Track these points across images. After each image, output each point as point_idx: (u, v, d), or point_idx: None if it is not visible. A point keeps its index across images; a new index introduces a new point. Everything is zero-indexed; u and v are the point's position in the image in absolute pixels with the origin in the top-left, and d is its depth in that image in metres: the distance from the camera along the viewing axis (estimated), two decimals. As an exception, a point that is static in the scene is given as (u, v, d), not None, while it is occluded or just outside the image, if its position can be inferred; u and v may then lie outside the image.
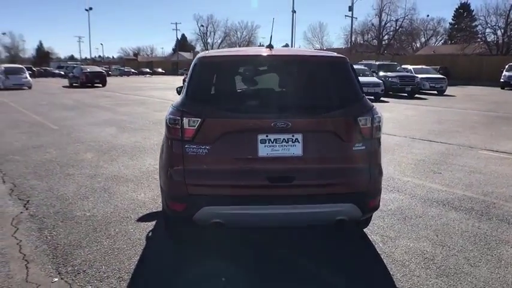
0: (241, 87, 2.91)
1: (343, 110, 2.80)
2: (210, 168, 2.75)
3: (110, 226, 3.78)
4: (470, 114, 12.89)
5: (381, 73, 21.18)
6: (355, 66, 21.38)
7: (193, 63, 2.96)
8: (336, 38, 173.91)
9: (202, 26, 79.68)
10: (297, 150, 2.72)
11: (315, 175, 2.77)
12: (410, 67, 23.95)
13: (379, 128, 2.95)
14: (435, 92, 22.27)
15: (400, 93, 20.38)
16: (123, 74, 62.28)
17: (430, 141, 8.21)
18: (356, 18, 55.13)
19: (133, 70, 70.41)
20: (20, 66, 28.38)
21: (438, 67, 29.34)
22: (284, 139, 2.71)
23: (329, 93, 2.92)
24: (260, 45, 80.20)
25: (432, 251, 3.34)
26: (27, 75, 25.25)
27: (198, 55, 3.06)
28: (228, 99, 2.85)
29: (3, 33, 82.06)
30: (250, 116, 2.71)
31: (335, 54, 3.17)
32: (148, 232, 3.66)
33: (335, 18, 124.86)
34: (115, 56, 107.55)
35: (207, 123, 2.69)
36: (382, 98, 18.43)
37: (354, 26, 50.87)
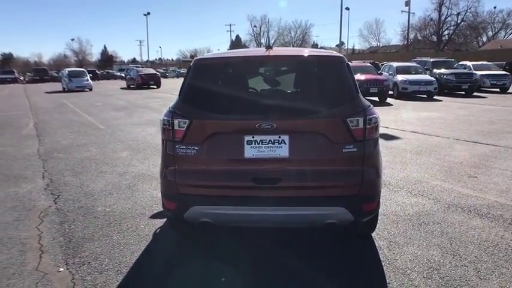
0: (233, 89, 2.94)
1: (332, 111, 2.71)
2: (198, 169, 2.82)
3: (123, 222, 3.99)
4: (531, 113, 11.75)
5: (436, 70, 19.97)
6: (407, 64, 20.51)
7: (190, 65, 3.04)
8: (393, 35, 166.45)
9: (255, 26, 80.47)
10: (283, 151, 2.69)
11: (302, 177, 2.71)
12: (469, 63, 22.30)
13: (374, 129, 2.82)
14: (497, 89, 20.55)
15: (456, 91, 19.05)
16: (179, 75, 64.82)
17: (475, 142, 7.63)
18: (413, 13, 52.55)
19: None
20: (82, 69, 30.69)
21: (504, 63, 27.01)
22: (270, 140, 2.69)
23: (320, 94, 2.85)
24: (313, 45, 79.44)
25: (440, 260, 3.12)
26: (88, 78, 27.24)
27: (195, 58, 3.13)
28: (218, 100, 2.88)
29: (72, 39, 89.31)
30: (237, 118, 2.73)
31: (332, 53, 3.08)
32: (157, 229, 3.81)
33: (393, 14, 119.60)
34: (174, 58, 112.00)
35: (195, 124, 2.75)
36: (435, 97, 17.39)
37: (411, 21, 48.51)
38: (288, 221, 2.79)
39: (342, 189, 2.72)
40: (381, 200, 4.36)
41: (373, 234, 3.57)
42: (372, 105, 3.02)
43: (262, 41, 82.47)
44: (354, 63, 18.97)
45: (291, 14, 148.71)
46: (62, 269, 3.09)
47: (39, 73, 44.13)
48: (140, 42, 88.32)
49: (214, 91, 2.91)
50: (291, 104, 2.79)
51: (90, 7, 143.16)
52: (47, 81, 40.80)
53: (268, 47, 3.21)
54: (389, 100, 16.39)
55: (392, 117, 11.47)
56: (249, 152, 2.70)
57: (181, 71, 68.17)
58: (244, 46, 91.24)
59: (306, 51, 3.09)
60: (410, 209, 4.22)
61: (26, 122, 11.43)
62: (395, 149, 7.19)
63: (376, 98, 16.24)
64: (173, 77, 58.77)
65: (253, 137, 2.70)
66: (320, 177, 2.71)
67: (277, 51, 3.12)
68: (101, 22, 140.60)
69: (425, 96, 17.62)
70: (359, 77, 16.04)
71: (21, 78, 47.04)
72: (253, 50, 3.46)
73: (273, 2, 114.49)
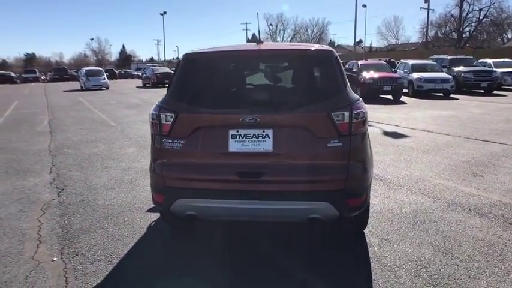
0: (219, 83, 2.96)
1: (317, 105, 2.70)
2: (184, 162, 2.85)
3: (121, 215, 4.07)
4: (550, 112, 11.36)
5: (454, 68, 19.49)
6: (423, 62, 20.10)
7: (179, 60, 3.09)
8: (413, 32, 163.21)
9: (271, 24, 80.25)
10: (267, 145, 2.69)
11: (285, 171, 2.71)
12: (489, 61, 21.67)
13: (361, 124, 2.79)
14: (519, 87, 19.93)
15: (475, 89, 18.55)
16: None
17: (487, 141, 7.43)
18: (433, 10, 51.42)
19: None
20: (99, 68, 31.33)
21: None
22: (254, 134, 2.70)
23: (306, 88, 2.84)
24: (329, 42, 78.72)
25: (431, 258, 3.07)
26: (105, 77, 27.78)
27: (184, 53, 3.17)
28: (203, 95, 2.91)
29: (91, 39, 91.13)
30: (221, 112, 2.75)
31: (320, 47, 3.06)
32: (152, 222, 3.87)
33: (412, 11, 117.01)
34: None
35: (180, 118, 2.79)
36: (452, 95, 16.99)
37: (431, 18, 47.48)
38: (271, 214, 2.80)
39: (326, 184, 2.70)
40: (379, 198, 4.39)
41: (366, 231, 3.54)
42: (360, 99, 2.99)
43: (278, 39, 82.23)
44: (368, 61, 18.74)
45: (308, 12, 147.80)
46: (56, 259, 3.18)
47: (59, 72, 45.27)
48: (158, 42, 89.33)
49: (200, 85, 2.94)
50: (276, 98, 2.79)
51: (109, 7, 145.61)
52: (67, 80, 41.72)
53: (259, 41, 3.23)
54: (404, 98, 16.11)
55: (404, 115, 11.29)
56: (233, 146, 2.72)
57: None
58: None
59: (295, 46, 3.09)
60: (408, 207, 4.16)
61: (41, 119, 11.76)
62: (402, 147, 7.08)
63: (390, 96, 16.02)
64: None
65: (237, 131, 2.71)
66: (304, 171, 2.70)
67: (267, 45, 3.12)
68: (120, 22, 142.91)
69: (441, 94, 17.24)
70: (372, 75, 15.86)
71: (43, 77, 48.34)
72: (243, 45, 3.47)
73: (289, 1, 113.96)
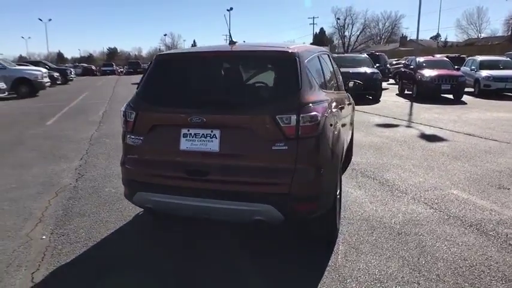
0: (178, 84, 3.04)
1: (263, 108, 2.68)
2: (142, 158, 3.03)
3: (117, 202, 4.37)
4: None
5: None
6: (494, 58, 18.23)
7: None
8: (499, 25, 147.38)
9: (338, 18, 77.94)
10: (214, 145, 2.74)
11: (230, 172, 2.73)
12: None
13: (312, 128, 2.70)
14: None
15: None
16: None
17: (538, 150, 6.62)
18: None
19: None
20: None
21: None
22: (203, 134, 2.76)
23: (259, 90, 2.82)
24: (402, 37, 74.38)
25: (393, 273, 2.88)
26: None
27: (157, 54, 3.32)
28: (163, 94, 3.03)
29: (165, 34, 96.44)
30: (173, 111, 2.86)
31: (282, 48, 3.01)
32: (140, 212, 4.11)
33: (498, 1, 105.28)
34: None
35: (140, 116, 2.96)
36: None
37: (518, 9, 42.53)
38: (216, 213, 2.85)
39: (270, 187, 2.68)
40: (374, 205, 4.18)
41: (340, 239, 3.42)
42: (320, 102, 2.90)
43: (346, 33, 79.72)
44: (428, 57, 17.48)
45: (380, 6, 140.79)
46: (44, 237, 3.55)
47: (133, 66, 48.73)
48: (226, 37, 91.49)
49: (162, 85, 3.07)
50: (227, 99, 2.82)
51: (183, 3, 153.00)
52: (140, 73, 44.74)
53: (232, 42, 3.27)
54: (467, 98, 14.82)
55: (455, 117, 10.43)
56: (184, 144, 2.81)
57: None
58: (328, 39, 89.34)
59: (258, 47, 3.08)
60: (401, 216, 3.91)
61: (98, 110, 12.83)
62: (432, 151, 6.60)
63: (450, 96, 14.85)
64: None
65: (188, 130, 2.80)
66: (248, 173, 2.71)
67: (234, 47, 3.14)
68: (191, 18, 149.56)
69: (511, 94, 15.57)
70: (430, 72, 14.80)
71: (120, 70, 52.36)
72: (209, 47, 3.52)
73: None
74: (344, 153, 4.59)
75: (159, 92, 3.03)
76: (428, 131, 8.52)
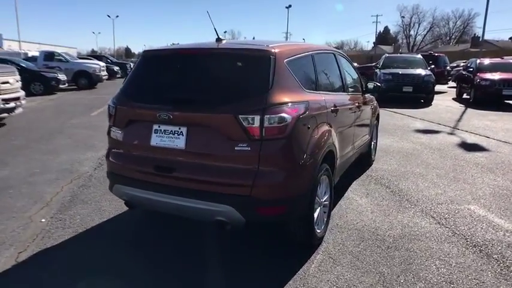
0: (155, 80, 3.06)
1: (228, 107, 2.60)
2: (119, 151, 3.11)
3: (122, 192, 4.55)
4: None
5: None
6: None
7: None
8: None
9: (403, 17, 74.13)
10: (180, 142, 2.73)
11: (195, 170, 2.70)
12: None
13: (277, 130, 2.58)
14: None
15: None
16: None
17: None
18: None
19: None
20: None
21: None
22: (171, 131, 2.77)
23: (228, 89, 2.74)
24: (474, 37, 68.94)
25: (365, 289, 2.69)
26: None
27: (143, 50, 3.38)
28: (139, 90, 3.06)
29: (225, 32, 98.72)
30: (145, 107, 2.89)
31: (257, 47, 2.90)
32: (139, 203, 4.25)
33: None
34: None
35: (118, 111, 3.04)
36: None
37: None
38: (181, 210, 2.83)
39: (231, 188, 2.61)
40: (375, 215, 3.92)
41: (322, 248, 3.24)
42: (296, 103, 2.77)
43: (412, 32, 75.69)
44: (492, 60, 15.99)
45: (451, 3, 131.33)
46: (43, 220, 3.79)
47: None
48: (286, 34, 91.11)
49: (141, 81, 3.12)
50: (194, 97, 2.78)
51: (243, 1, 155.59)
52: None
53: (218, 39, 3.23)
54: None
55: (510, 126, 9.45)
56: (154, 140, 2.83)
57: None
58: (393, 38, 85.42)
59: (236, 45, 3.02)
60: (399, 230, 3.63)
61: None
62: (465, 162, 6.04)
63: (512, 102, 13.51)
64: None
65: (159, 126, 2.82)
66: (212, 172, 2.65)
67: (216, 44, 3.10)
68: (251, 15, 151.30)
69: None
70: (491, 76, 13.56)
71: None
72: (193, 44, 3.49)
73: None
74: (351, 157, 4.36)
75: (137, 87, 3.09)
76: (472, 139, 7.81)
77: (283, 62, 2.86)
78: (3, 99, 8.17)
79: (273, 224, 3.35)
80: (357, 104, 4.40)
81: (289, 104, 2.71)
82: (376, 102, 5.72)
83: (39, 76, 15.90)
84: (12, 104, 8.47)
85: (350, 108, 4.10)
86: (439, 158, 6.26)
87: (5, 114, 8.53)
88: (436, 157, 6.34)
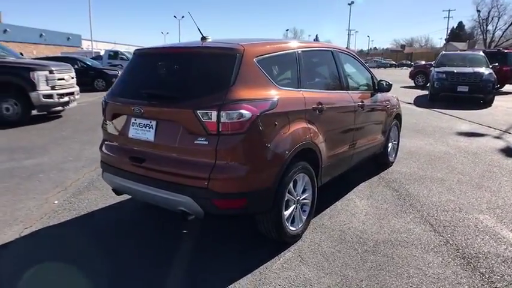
0: (136, 77, 3.25)
1: (188, 102, 2.71)
2: (107, 142, 3.39)
3: (133, 182, 4.88)
4: None
5: None
6: None
7: None
8: None
9: (478, 11, 68.05)
10: (150, 135, 2.91)
11: (161, 161, 2.86)
12: None
13: (234, 125, 2.63)
14: None
15: None
16: (380, 65, 62.82)
17: None
18: None
19: (392, 62, 69.90)
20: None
21: None
22: (144, 124, 2.95)
23: (192, 84, 2.85)
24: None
25: (319, 290, 2.65)
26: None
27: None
28: (122, 86, 3.28)
29: (287, 30, 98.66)
30: (123, 101, 3.11)
31: (225, 44, 2.97)
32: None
33: None
34: (388, 47, 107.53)
35: (107, 106, 3.30)
36: None
37: None
38: (151, 199, 3.01)
39: (190, 180, 2.72)
40: (366, 217, 3.79)
41: (295, 247, 3.22)
42: (261, 100, 2.81)
43: (490, 27, 69.27)
44: None
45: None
46: (56, 202, 4.22)
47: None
48: (350, 32, 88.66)
49: (127, 78, 3.34)
50: (163, 93, 2.92)
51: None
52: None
53: (203, 38, 3.36)
54: None
55: None
56: (131, 132, 3.05)
57: (382, 61, 66.13)
58: (468, 35, 79.04)
59: (207, 44, 3.10)
60: (387, 235, 3.48)
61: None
62: (499, 168, 5.54)
63: None
64: (373, 67, 57.34)
65: (135, 120, 3.02)
66: (175, 164, 2.79)
67: (194, 43, 3.22)
68: (314, 13, 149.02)
69: None
70: None
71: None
72: (176, 43, 3.64)
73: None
74: (350, 157, 4.24)
75: (123, 84, 3.32)
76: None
77: (252, 59, 2.90)
78: (58, 94, 9.07)
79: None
80: (359, 103, 4.25)
81: (257, 100, 2.76)
82: (395, 100, 5.45)
83: (101, 73, 17.30)
84: (66, 99, 9.37)
85: (346, 107, 3.99)
86: (470, 163, 5.80)
87: (60, 108, 9.47)
88: (467, 162, 5.88)
